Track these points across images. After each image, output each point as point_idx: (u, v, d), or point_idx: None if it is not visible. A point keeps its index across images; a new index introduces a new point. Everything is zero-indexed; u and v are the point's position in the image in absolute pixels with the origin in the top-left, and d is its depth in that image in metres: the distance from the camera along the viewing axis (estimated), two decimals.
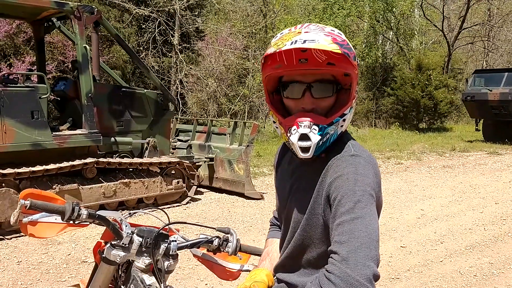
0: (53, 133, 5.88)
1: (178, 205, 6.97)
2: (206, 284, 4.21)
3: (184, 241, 1.66)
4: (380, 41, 24.91)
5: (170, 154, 7.59)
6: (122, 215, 1.60)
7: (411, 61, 22.26)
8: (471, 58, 30.79)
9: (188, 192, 7.16)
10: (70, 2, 6.02)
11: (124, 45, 7.00)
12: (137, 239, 1.55)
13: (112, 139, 6.62)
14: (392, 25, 23.31)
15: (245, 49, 18.57)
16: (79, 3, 6.37)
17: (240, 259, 1.76)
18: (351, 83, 1.38)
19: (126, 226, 1.57)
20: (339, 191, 1.24)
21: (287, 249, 1.49)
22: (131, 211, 1.75)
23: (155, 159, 6.75)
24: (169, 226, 1.66)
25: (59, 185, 5.71)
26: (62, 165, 5.74)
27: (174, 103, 7.63)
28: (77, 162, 5.88)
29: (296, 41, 1.27)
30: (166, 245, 1.58)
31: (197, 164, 7.67)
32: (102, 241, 1.65)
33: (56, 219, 1.53)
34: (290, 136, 1.36)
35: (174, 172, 7.04)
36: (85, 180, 6.03)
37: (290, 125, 1.36)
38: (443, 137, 17.25)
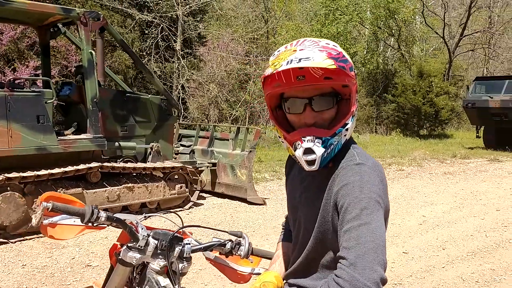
0: (58, 137, 5.93)
1: (181, 210, 7.00)
2: None
3: (198, 244, 1.71)
4: (382, 48, 25.01)
5: (173, 159, 7.63)
6: (138, 218, 1.65)
7: (412, 67, 22.35)
8: (472, 65, 30.93)
9: (191, 197, 7.21)
10: (76, 8, 6.09)
11: (129, 50, 7.07)
12: (152, 242, 1.60)
13: (116, 143, 6.67)
14: (393, 31, 23.42)
15: (246, 55, 18.66)
16: (85, 9, 6.42)
17: (252, 262, 1.80)
18: (350, 93, 1.42)
19: (142, 228, 1.62)
20: (346, 199, 1.29)
21: (300, 257, 1.53)
22: (146, 214, 1.79)
23: (158, 164, 6.80)
24: (183, 229, 1.71)
25: (63, 189, 5.74)
26: (67, 169, 5.79)
27: (178, 109, 7.68)
28: (81, 166, 5.93)
29: (291, 60, 1.32)
30: (181, 247, 1.63)
31: (199, 169, 7.71)
32: (118, 243, 1.69)
33: (74, 221, 1.57)
34: (295, 150, 1.40)
35: (177, 177, 7.08)
36: (90, 185, 6.07)
37: (294, 140, 1.41)
38: (444, 144, 17.31)
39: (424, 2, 23.35)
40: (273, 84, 1.40)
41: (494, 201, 7.94)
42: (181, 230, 1.68)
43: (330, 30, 21.77)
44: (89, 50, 6.11)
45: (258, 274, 1.82)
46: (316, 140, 1.37)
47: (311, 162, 1.38)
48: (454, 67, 25.07)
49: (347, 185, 1.31)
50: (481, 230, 6.20)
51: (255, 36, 20.27)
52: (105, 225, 1.57)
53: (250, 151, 7.39)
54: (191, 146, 8.19)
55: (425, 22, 23.82)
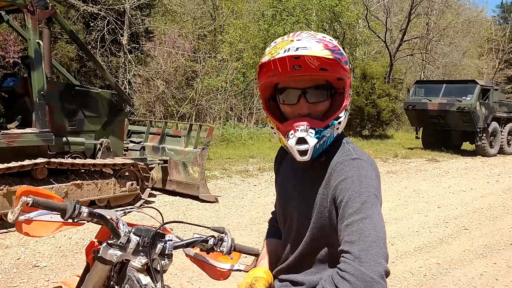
0: (1, 131, 5.60)
1: (132, 208, 6.82)
2: None
3: (180, 240, 1.66)
4: None
5: (123, 155, 7.42)
6: (118, 214, 1.58)
7: (356, 70, 23.00)
8: (410, 69, 32.28)
9: (142, 194, 7.04)
10: None
11: (79, 42, 6.79)
12: (134, 238, 1.54)
13: (64, 139, 6.39)
14: (338, 34, 24.01)
15: (194, 52, 18.49)
16: None
17: (232, 258, 1.77)
18: (344, 87, 1.43)
19: (123, 225, 1.55)
20: (346, 193, 1.29)
21: (294, 253, 1.51)
22: (125, 210, 1.73)
23: (108, 160, 6.58)
24: (164, 225, 1.66)
25: (7, 186, 5.43)
26: (10, 165, 5.48)
27: (129, 104, 7.47)
28: (27, 162, 5.63)
29: (289, 49, 1.32)
30: (163, 244, 1.58)
31: (150, 166, 7.54)
32: (96, 240, 1.62)
33: (51, 217, 1.48)
34: (288, 140, 1.39)
35: (127, 174, 6.89)
36: (35, 181, 5.76)
37: (288, 130, 1.40)
38: (385, 144, 17.96)
39: (368, 7, 24.13)
40: (268, 73, 1.40)
41: (435, 199, 8.34)
42: (162, 227, 1.63)
43: (277, 31, 21.96)
44: (37, 40, 5.81)
45: (238, 270, 1.80)
46: (309, 130, 1.36)
47: (303, 152, 1.37)
48: (394, 71, 26.03)
49: (345, 180, 1.31)
50: (425, 226, 6.50)
51: (204, 32, 20.12)
52: (84, 222, 1.49)
53: (203, 148, 7.32)
54: (142, 143, 8.00)
55: (368, 26, 24.60)
